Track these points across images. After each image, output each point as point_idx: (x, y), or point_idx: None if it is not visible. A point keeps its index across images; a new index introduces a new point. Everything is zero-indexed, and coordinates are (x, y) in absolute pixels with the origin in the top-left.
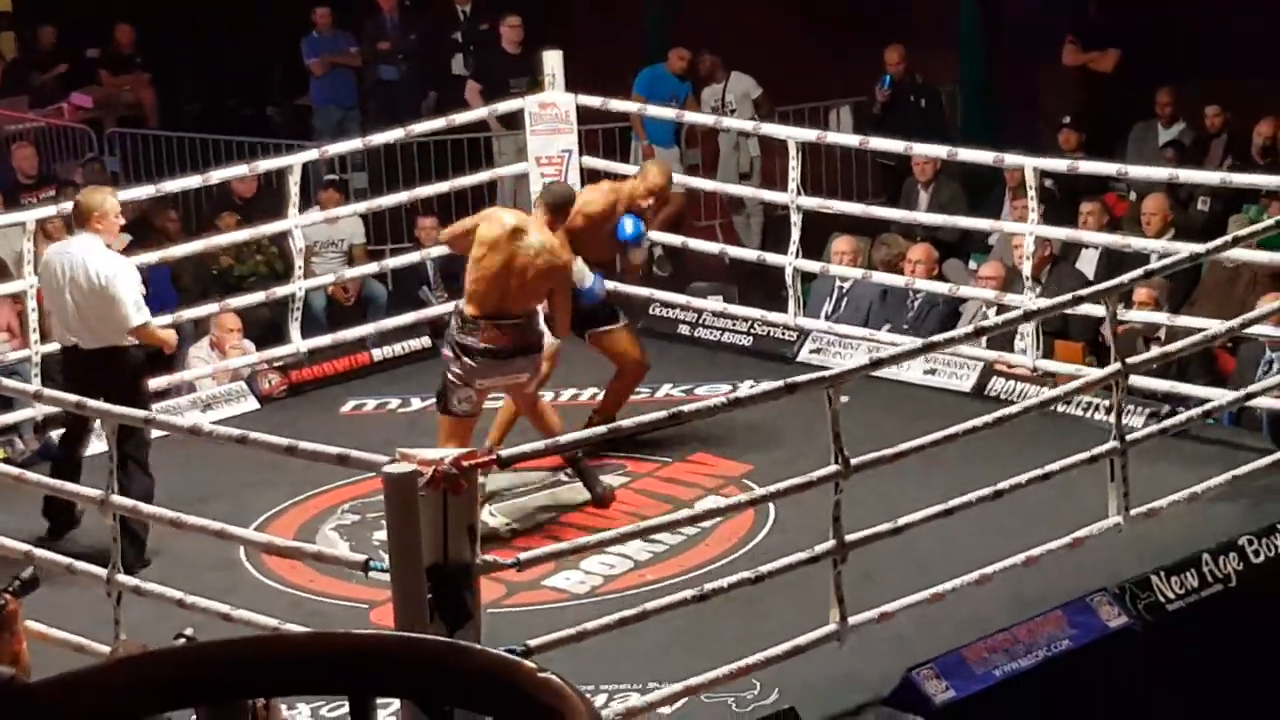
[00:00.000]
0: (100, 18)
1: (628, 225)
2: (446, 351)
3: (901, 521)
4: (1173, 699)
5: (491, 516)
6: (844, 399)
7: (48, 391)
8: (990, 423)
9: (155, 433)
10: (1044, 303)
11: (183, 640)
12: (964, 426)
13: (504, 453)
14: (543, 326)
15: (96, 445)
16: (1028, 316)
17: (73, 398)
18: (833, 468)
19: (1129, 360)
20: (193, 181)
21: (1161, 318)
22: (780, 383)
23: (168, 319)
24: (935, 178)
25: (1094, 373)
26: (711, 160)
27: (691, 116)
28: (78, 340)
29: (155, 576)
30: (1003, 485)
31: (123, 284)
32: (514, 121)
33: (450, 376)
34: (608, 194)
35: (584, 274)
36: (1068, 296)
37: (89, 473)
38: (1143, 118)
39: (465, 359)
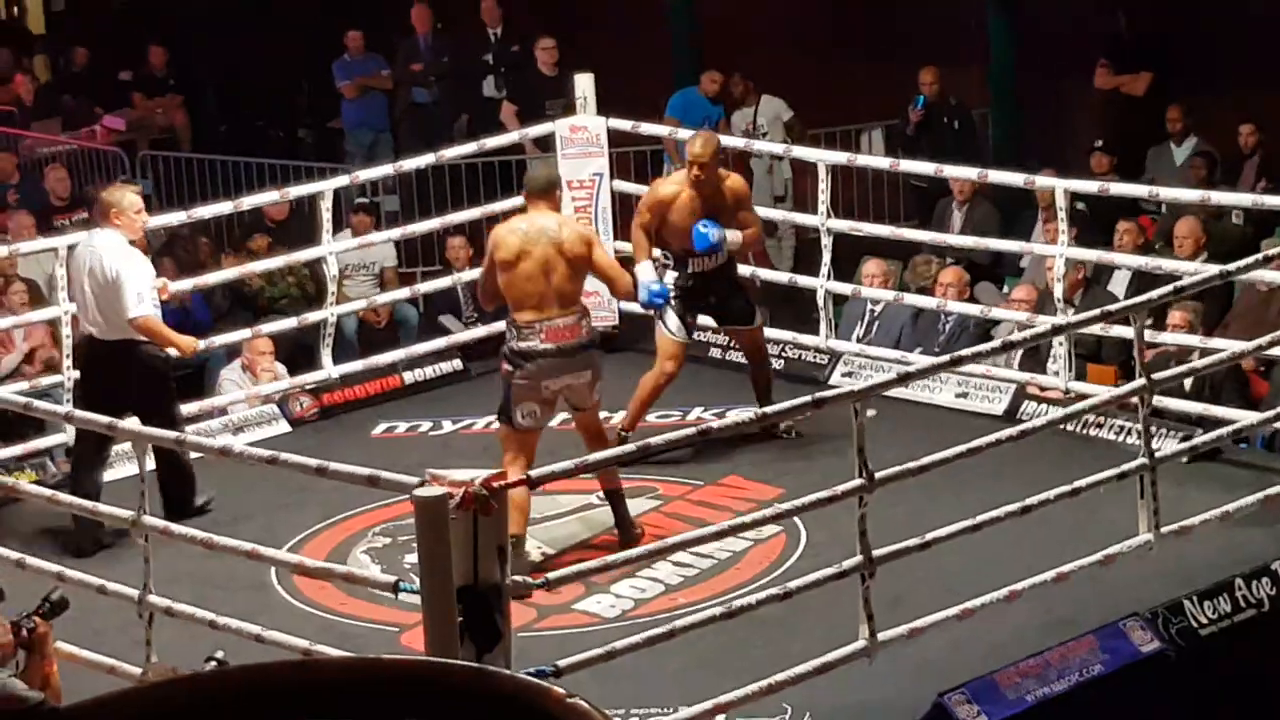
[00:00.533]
0: (132, 40)
1: (705, 232)
2: (506, 366)
3: (929, 537)
4: None
5: (523, 540)
6: (870, 413)
7: (78, 413)
8: (1014, 436)
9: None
10: (1072, 318)
11: (214, 663)
12: (989, 439)
13: (534, 473)
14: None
15: (128, 467)
16: (1056, 331)
17: (104, 419)
18: (857, 481)
19: (1155, 376)
20: (224, 207)
21: (1194, 340)
22: (808, 398)
23: (202, 343)
24: (972, 198)
25: (1120, 389)
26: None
27: (722, 140)
28: (94, 330)
29: (187, 598)
30: (1031, 501)
31: (128, 276)
32: (548, 144)
33: (514, 388)
34: (677, 181)
35: (642, 283)
36: (1096, 312)
37: (121, 494)
38: (1188, 133)
39: (528, 364)
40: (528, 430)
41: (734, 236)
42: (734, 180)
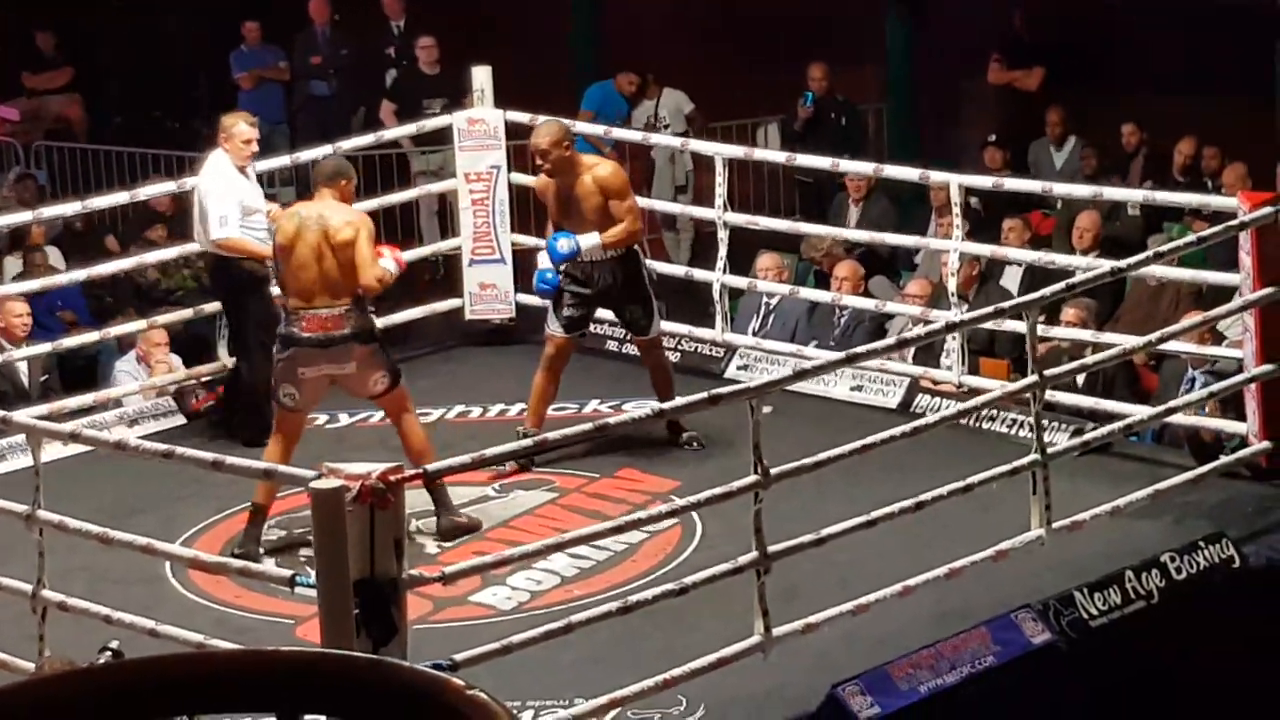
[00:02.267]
0: (19, 29)
1: (553, 244)
2: (275, 348)
3: (824, 533)
4: (1096, 715)
5: (418, 533)
6: (767, 409)
7: None
8: (908, 433)
9: (79, 448)
10: (967, 315)
11: (108, 654)
12: (882, 436)
13: (430, 467)
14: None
15: (21, 459)
16: (950, 328)
17: None
18: (753, 478)
19: (1046, 372)
20: (121, 197)
21: (1086, 335)
22: (704, 394)
23: (96, 335)
24: (868, 194)
25: (1013, 385)
26: (645, 177)
27: (620, 133)
28: (197, 243)
29: (81, 592)
30: (924, 497)
31: (212, 200)
32: (430, 140)
33: (275, 368)
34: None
35: (538, 270)
36: (989, 309)
37: (14, 487)
38: (1068, 134)
39: (288, 349)
40: (291, 410)
41: (589, 241)
42: (602, 170)
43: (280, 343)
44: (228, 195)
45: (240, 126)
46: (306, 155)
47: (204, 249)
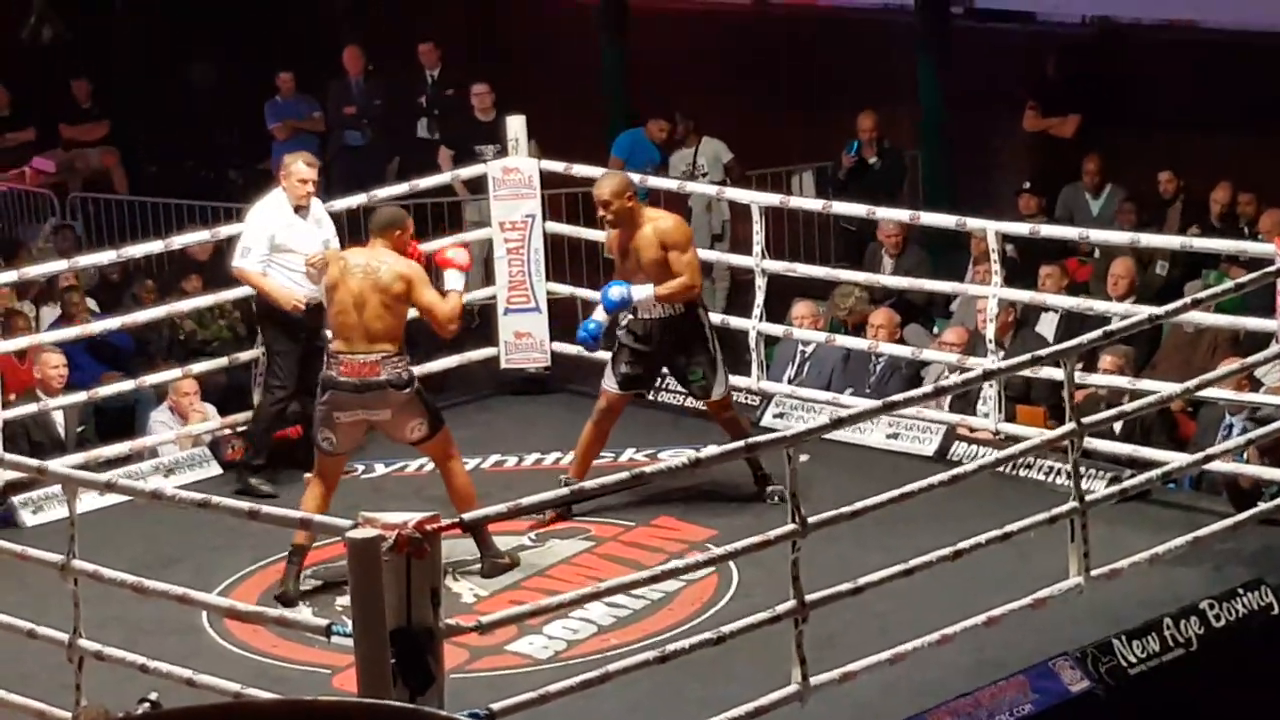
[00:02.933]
0: (57, 79)
1: (606, 292)
2: (317, 391)
3: (861, 581)
4: None
5: (455, 581)
6: (804, 458)
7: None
8: (946, 481)
9: (116, 498)
10: (1003, 363)
11: (147, 705)
12: (919, 485)
13: (466, 516)
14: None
15: (58, 509)
16: (987, 376)
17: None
18: (790, 526)
19: (1084, 420)
20: (155, 246)
21: (1123, 382)
22: (741, 443)
23: (131, 384)
24: (903, 245)
25: (1050, 433)
26: None
27: (656, 181)
28: None
29: (117, 641)
30: (962, 545)
31: (245, 229)
32: (480, 186)
33: (316, 412)
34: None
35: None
36: (1026, 357)
37: (51, 537)
38: (1105, 183)
39: (326, 393)
40: (329, 454)
41: (642, 292)
42: (664, 222)
43: (320, 386)
44: (260, 229)
45: (298, 165)
46: (340, 204)
47: None
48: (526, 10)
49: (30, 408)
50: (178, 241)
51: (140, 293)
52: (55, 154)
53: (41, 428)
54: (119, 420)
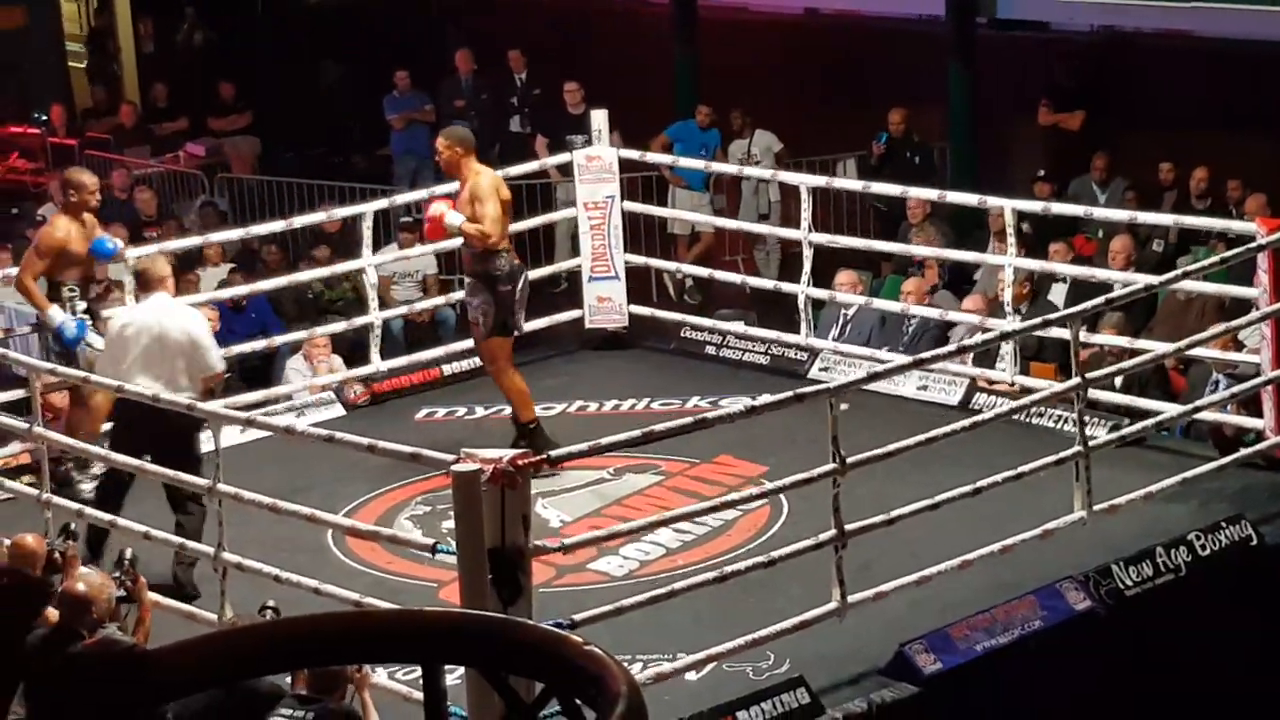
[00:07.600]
0: (203, 80)
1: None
2: (504, 286)
3: (894, 513)
4: (1130, 672)
5: (544, 509)
6: (844, 407)
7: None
8: (967, 427)
9: (255, 434)
10: (1019, 325)
11: (268, 612)
12: (945, 430)
13: (554, 453)
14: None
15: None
16: (1004, 336)
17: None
18: (831, 465)
19: (1088, 375)
20: (277, 225)
21: (1123, 341)
22: (790, 393)
23: (281, 339)
24: (924, 221)
25: (1059, 385)
26: (735, 204)
27: (719, 166)
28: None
29: (256, 555)
30: (982, 483)
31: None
32: (568, 170)
33: (510, 301)
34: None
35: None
36: (1039, 320)
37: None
38: (1112, 177)
39: (520, 278)
40: (511, 337)
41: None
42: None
43: (507, 275)
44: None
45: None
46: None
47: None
48: (612, 23)
49: None
50: (298, 221)
51: (266, 257)
52: (205, 141)
53: None
54: (259, 370)
